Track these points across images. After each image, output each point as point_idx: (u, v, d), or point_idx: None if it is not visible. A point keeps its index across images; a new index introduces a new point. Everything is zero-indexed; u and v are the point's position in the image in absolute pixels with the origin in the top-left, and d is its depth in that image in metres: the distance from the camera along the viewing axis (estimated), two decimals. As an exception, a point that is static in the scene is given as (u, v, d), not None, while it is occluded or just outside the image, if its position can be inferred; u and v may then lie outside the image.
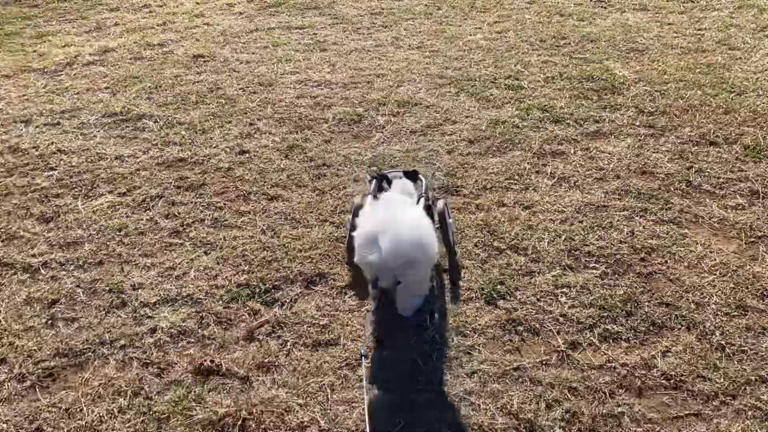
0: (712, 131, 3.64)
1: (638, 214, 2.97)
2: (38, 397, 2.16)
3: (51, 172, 3.51)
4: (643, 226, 2.88)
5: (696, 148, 3.50)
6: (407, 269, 2.17)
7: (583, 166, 3.38)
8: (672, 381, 2.12)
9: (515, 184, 3.25)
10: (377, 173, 2.66)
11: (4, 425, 2.06)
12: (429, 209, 2.56)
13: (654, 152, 3.47)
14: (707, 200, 3.06)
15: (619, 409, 2.03)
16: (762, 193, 3.09)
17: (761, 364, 2.17)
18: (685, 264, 2.64)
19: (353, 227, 2.33)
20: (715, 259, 2.66)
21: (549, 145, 3.58)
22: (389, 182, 2.58)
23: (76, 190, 3.34)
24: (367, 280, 2.28)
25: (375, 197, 2.47)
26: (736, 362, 2.17)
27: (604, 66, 4.55)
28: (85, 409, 2.10)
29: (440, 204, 2.56)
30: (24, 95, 4.48)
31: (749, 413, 2.00)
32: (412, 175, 2.66)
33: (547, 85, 4.30)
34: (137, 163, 3.57)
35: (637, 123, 3.77)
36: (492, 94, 4.20)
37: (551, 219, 2.95)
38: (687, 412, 2.02)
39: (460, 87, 4.32)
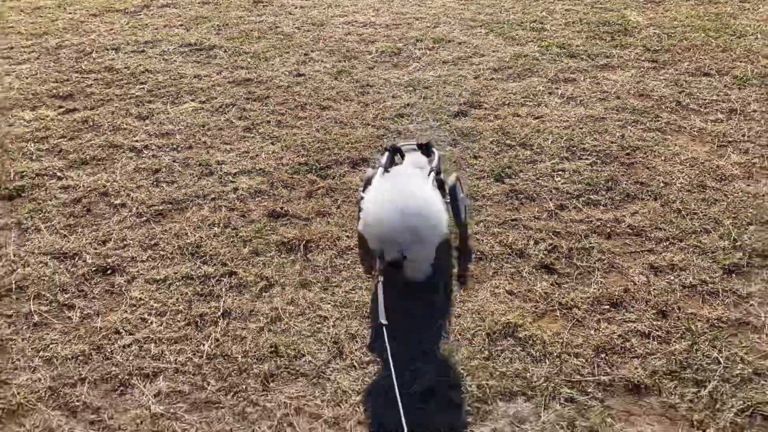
0: (707, 65, 4.21)
1: (630, 124, 3.60)
2: (153, 227, 2.95)
3: (142, 86, 4.30)
4: (633, 133, 3.51)
5: (691, 78, 4.08)
6: (413, 244, 2.13)
7: (589, 89, 4.01)
8: (635, 230, 2.78)
9: (529, 101, 3.90)
10: (391, 146, 2.67)
11: (131, 242, 2.85)
12: (441, 183, 2.56)
13: (653, 80, 4.07)
14: (692, 116, 3.66)
15: (590, 245, 2.70)
16: (739, 110, 3.68)
17: (708, 222, 2.81)
18: (662, 158, 3.28)
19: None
20: (688, 155, 3.28)
21: (563, 74, 4.21)
22: (402, 155, 2.61)
23: (164, 98, 4.13)
24: (372, 251, 2.27)
25: (386, 170, 2.50)
26: (688, 220, 2.82)
27: (621, 14, 5.12)
28: (189, 233, 2.88)
29: (452, 178, 2.57)
30: (111, 29, 5.29)
31: (690, 250, 2.65)
32: (425, 148, 2.67)
33: (567, 28, 4.91)
34: (212, 81, 4.34)
35: (642, 58, 4.36)
36: (517, 35, 4.83)
37: (556, 126, 3.61)
38: (642, 249, 2.68)
39: (490, 28, 4.96)
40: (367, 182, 2.47)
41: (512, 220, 2.88)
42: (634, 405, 2.03)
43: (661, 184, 3.07)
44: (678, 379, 2.10)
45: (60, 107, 4.03)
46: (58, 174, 3.34)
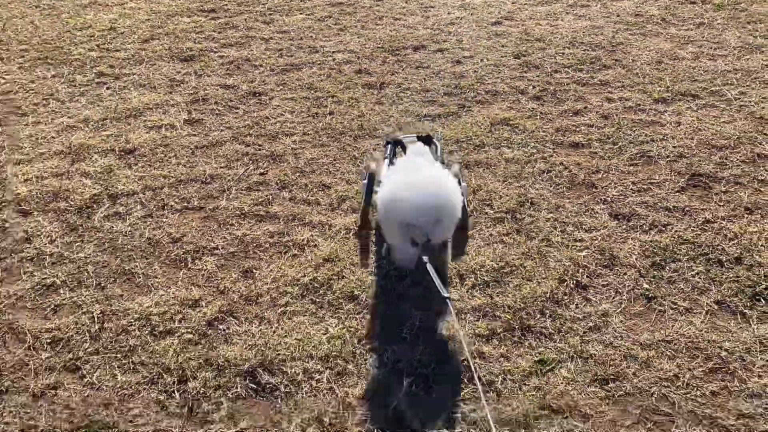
0: (695, -2, 5.58)
1: (621, 31, 5.03)
2: (282, 76, 4.61)
3: (263, 5, 6.02)
4: (621, 35, 4.94)
5: (679, 5, 5.46)
6: (436, 227, 2.18)
7: (598, 11, 5.44)
8: (602, 82, 4.24)
9: (550, 17, 5.37)
10: (392, 138, 2.81)
11: (269, 82, 4.52)
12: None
13: (649, 6, 5.47)
14: (670, 27, 5.05)
15: (569, 89, 4.19)
16: (707, 24, 5.05)
17: (654, 80, 4.23)
18: (637, 48, 4.70)
19: (369, 193, 2.46)
20: (657, 48, 4.70)
21: (580, 2, 5.66)
22: (404, 147, 2.73)
23: (281, 12, 5.84)
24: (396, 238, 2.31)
25: (391, 162, 2.65)
26: (641, 78, 4.26)
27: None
28: (305, 78, 4.53)
29: (455, 168, 2.63)
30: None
31: (636, 90, 4.10)
32: (426, 140, 2.81)
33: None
34: (314, 3, 6.02)
35: (646, -8, 5.76)
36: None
37: (565, 30, 5.08)
38: (604, 91, 4.14)
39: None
40: (370, 176, 2.55)
41: (520, 77, 4.40)
42: (575, 155, 3.52)
43: (630, 61, 4.51)
44: (602, 142, 3.57)
45: (207, 16, 5.80)
46: (215, 50, 5.07)
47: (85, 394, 2.22)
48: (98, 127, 3.91)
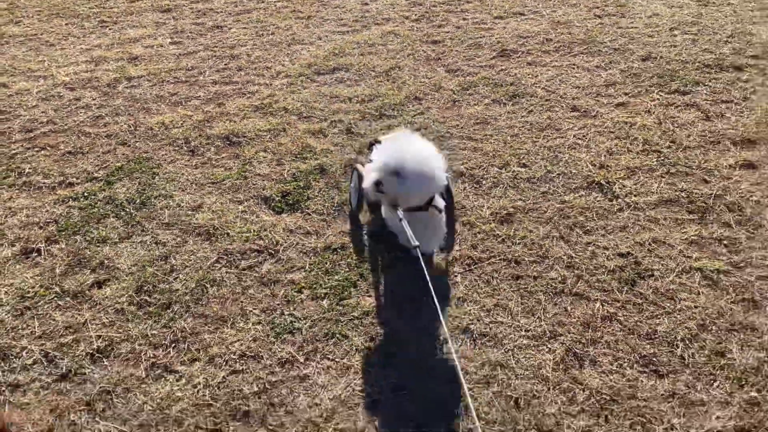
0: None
1: None
2: (238, 18, 6.55)
3: (221, -23, 7.95)
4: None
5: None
6: (401, 186, 2.47)
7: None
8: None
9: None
10: (374, 139, 2.96)
11: (226, 23, 6.44)
12: None
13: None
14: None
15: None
16: (546, -26, 7.17)
17: (501, 4, 6.29)
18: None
19: (357, 193, 2.87)
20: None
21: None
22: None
23: (235, -19, 7.77)
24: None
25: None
26: (498, 6, 6.31)
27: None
28: (255, 17, 6.47)
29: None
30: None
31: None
32: None
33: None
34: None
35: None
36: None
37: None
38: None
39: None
40: (358, 175, 2.97)
41: (407, 10, 6.41)
42: (433, 46, 5.51)
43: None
44: (452, 39, 5.58)
45: (178, -15, 7.68)
46: (186, 5, 6.96)
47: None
48: (109, 48, 5.77)
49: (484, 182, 3.54)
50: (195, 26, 6.20)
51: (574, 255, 2.96)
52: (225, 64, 5.28)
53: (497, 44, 5.40)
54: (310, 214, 3.34)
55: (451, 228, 2.99)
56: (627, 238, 3.05)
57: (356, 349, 2.49)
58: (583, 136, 3.95)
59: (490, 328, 2.58)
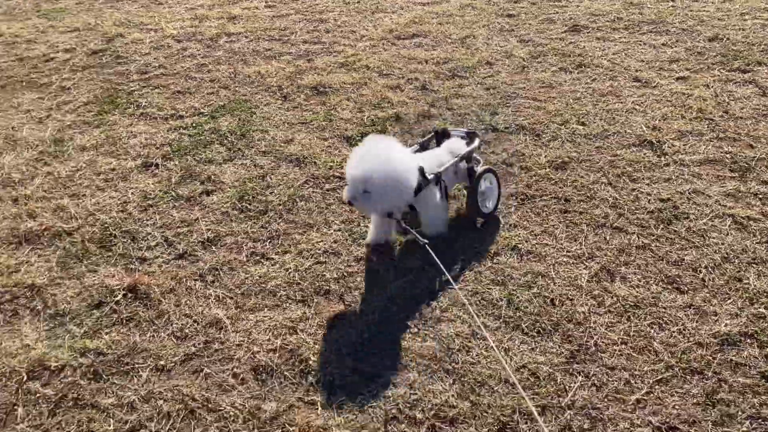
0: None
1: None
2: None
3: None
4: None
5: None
6: (367, 199, 2.64)
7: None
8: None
9: None
10: (441, 129, 3.21)
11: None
12: (471, 171, 3.08)
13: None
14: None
15: None
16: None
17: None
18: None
19: None
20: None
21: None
22: (445, 137, 3.18)
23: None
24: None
25: (421, 147, 3.14)
26: (565, -14, 6.64)
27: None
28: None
29: (481, 170, 3.06)
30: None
31: (558, -8, 6.48)
32: (470, 135, 3.20)
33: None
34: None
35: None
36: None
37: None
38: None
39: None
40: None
41: None
42: (509, 20, 5.90)
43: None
44: (531, 14, 5.95)
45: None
46: (280, -27, 7.56)
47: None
48: (211, 8, 6.42)
49: (543, 135, 3.95)
50: (287, -7, 6.79)
51: (618, 197, 3.35)
52: (314, 27, 5.83)
53: (569, 20, 5.74)
54: (385, 152, 3.84)
55: (474, 206, 3.08)
56: (669, 187, 3.41)
57: (409, 255, 2.97)
58: (642, 102, 4.29)
59: (536, 248, 3.02)
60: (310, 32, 5.72)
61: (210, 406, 2.28)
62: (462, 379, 2.37)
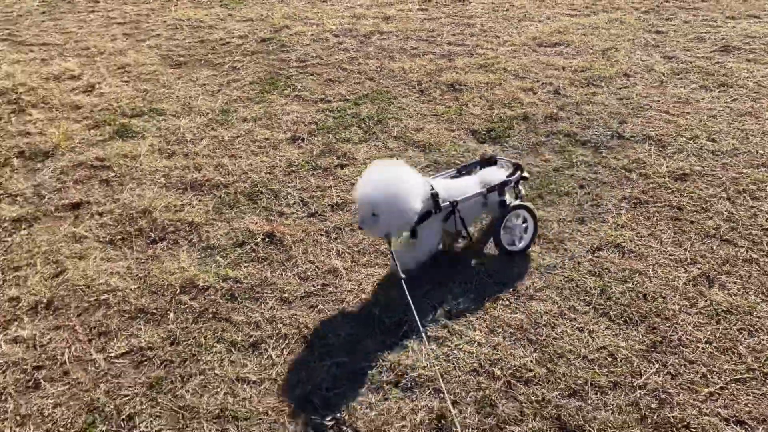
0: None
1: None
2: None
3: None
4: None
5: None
6: (374, 222, 2.67)
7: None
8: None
9: None
10: (488, 155, 3.20)
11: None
12: (503, 203, 3.00)
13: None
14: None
15: None
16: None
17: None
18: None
19: None
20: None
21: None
22: (490, 165, 3.14)
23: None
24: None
25: (459, 172, 3.15)
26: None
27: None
28: (493, -4, 7.31)
29: (513, 203, 3.00)
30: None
31: (716, 11, 6.34)
32: (516, 167, 3.13)
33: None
34: None
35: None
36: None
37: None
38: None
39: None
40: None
41: None
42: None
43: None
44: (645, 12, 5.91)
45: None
46: (436, -20, 8.00)
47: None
48: (368, 8, 6.98)
49: (669, 147, 4.00)
50: (441, -2, 7.20)
51: (734, 212, 3.37)
52: (460, 31, 6.18)
53: (721, 40, 5.63)
54: (507, 148, 4.10)
55: (495, 240, 3.04)
56: (793, 210, 3.37)
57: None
58: (782, 126, 4.19)
59: (639, 248, 3.14)
60: (456, 35, 6.07)
61: (319, 334, 2.69)
62: (543, 349, 2.59)
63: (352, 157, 4.03)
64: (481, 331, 2.69)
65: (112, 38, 6.19)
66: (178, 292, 2.95)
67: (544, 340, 2.64)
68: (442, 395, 2.39)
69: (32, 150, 4.18)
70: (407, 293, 2.56)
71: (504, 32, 6.10)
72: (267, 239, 3.28)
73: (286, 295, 2.91)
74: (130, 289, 2.97)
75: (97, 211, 3.56)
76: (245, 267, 3.09)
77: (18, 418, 2.37)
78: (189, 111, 4.71)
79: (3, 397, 2.45)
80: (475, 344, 2.62)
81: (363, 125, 4.44)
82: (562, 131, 4.24)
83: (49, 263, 3.15)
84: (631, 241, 3.19)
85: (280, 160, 4.03)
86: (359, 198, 2.71)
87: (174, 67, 5.51)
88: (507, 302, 2.84)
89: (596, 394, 2.40)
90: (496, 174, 3.08)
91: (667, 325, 2.68)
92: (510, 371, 2.50)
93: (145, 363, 2.59)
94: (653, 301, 2.81)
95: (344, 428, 2.26)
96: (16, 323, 2.79)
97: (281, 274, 3.04)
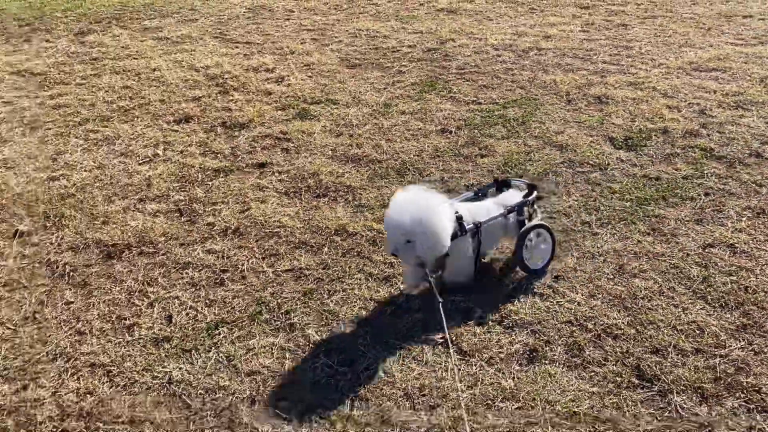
0: None
1: None
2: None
3: None
4: None
5: None
6: (407, 248, 2.74)
7: None
8: None
9: None
10: (503, 178, 3.31)
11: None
12: (521, 224, 3.11)
13: None
14: None
15: None
16: None
17: None
18: None
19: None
20: None
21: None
22: (505, 188, 3.25)
23: None
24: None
25: (477, 195, 3.24)
26: None
27: None
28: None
29: (531, 224, 3.09)
30: None
31: None
32: (530, 187, 3.24)
33: None
34: None
35: None
36: None
37: None
38: None
39: None
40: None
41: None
42: None
43: None
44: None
45: None
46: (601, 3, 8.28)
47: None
48: (531, 27, 7.44)
49: (808, 169, 4.08)
50: (604, 21, 7.51)
51: None
52: (617, 52, 6.47)
53: None
54: (641, 155, 4.39)
55: (517, 260, 3.14)
56: None
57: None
58: None
59: (752, 251, 3.34)
60: (612, 55, 6.37)
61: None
62: (636, 315, 2.94)
63: (493, 150, 4.55)
64: (582, 295, 3.08)
65: (301, 41, 7.22)
66: (332, 233, 3.64)
67: (639, 308, 2.98)
68: (537, 336, 2.83)
69: (232, 122, 5.15)
70: (443, 316, 2.68)
71: (661, 56, 6.29)
72: (409, 204, 3.89)
73: (418, 246, 3.49)
74: (297, 227, 3.71)
75: (277, 170, 4.39)
76: (388, 222, 3.72)
77: (207, 301, 3.16)
78: (357, 103, 5.49)
79: (198, 288, 3.26)
80: (575, 303, 3.03)
81: (507, 125, 4.94)
82: (699, 146, 4.44)
83: (238, 203, 3.99)
84: (745, 243, 3.40)
85: (428, 146, 4.65)
86: (391, 225, 2.76)
87: (349, 68, 6.36)
88: (611, 277, 3.20)
89: (678, 355, 2.71)
90: (513, 196, 3.21)
91: (763, 314, 2.90)
92: (601, 327, 2.88)
93: (302, 278, 3.28)
94: (754, 294, 3.03)
95: (450, 345, 2.77)
96: (210, 240, 3.63)
97: (416, 231, 3.63)
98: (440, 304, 2.69)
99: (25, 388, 2.65)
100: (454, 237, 2.86)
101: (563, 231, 3.57)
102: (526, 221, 3.16)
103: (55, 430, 2.45)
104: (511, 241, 3.21)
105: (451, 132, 4.87)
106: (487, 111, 5.20)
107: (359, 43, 7.11)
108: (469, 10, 8.23)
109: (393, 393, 2.58)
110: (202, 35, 7.48)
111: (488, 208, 3.10)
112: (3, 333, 2.98)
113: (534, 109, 5.20)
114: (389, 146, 4.67)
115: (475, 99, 5.47)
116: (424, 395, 2.57)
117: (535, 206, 3.29)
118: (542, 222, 3.21)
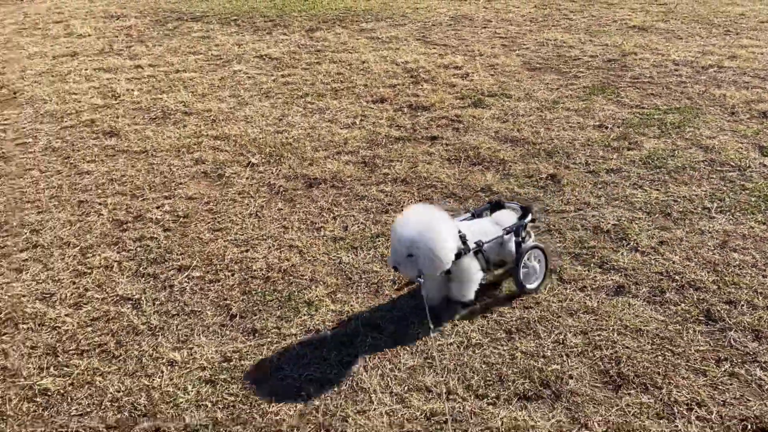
0: None
1: None
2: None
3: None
4: None
5: None
6: (408, 263, 2.82)
7: None
8: None
9: None
10: (495, 199, 3.45)
11: None
12: (518, 245, 3.18)
13: None
14: None
15: None
16: None
17: None
18: None
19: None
20: None
21: None
22: (498, 208, 3.36)
23: None
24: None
25: (473, 215, 3.33)
26: None
27: None
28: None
29: (529, 245, 3.20)
30: None
31: None
32: (524, 209, 3.36)
33: None
34: None
35: None
36: None
37: None
38: None
39: None
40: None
41: None
42: None
43: None
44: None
45: None
46: None
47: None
48: (719, 48, 7.64)
49: None
50: None
51: None
52: None
53: None
54: (787, 162, 4.69)
55: (516, 281, 3.27)
56: None
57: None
58: None
59: None
60: (795, 77, 6.46)
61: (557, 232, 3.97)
62: (723, 277, 3.46)
63: (641, 145, 5.12)
64: (679, 257, 3.65)
65: (491, 46, 8.16)
66: (479, 190, 4.53)
67: (729, 273, 3.49)
68: (629, 277, 3.48)
69: (417, 105, 6.24)
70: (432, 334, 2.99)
71: None
72: (549, 178, 4.65)
73: (548, 209, 4.25)
74: (451, 183, 4.65)
75: (445, 143, 5.37)
76: (527, 188, 4.52)
77: (374, 221, 4.21)
78: (528, 98, 6.30)
79: (369, 212, 4.32)
80: (670, 261, 3.61)
81: (663, 127, 5.44)
82: None
83: (409, 162, 5.03)
84: None
85: (581, 136, 5.33)
86: (396, 239, 2.86)
87: (529, 70, 7.17)
88: (712, 249, 3.72)
89: (748, 307, 3.21)
90: (507, 216, 3.34)
91: None
92: (687, 280, 3.45)
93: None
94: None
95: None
96: (383, 184, 4.70)
97: (551, 199, 4.39)
98: (434, 335, 2.96)
99: (246, 251, 3.90)
100: (458, 256, 2.97)
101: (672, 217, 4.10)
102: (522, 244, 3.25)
103: (263, 276, 3.63)
104: (506, 261, 3.38)
105: (606, 127, 5.49)
106: (647, 114, 5.73)
107: (544, 50, 7.87)
108: (661, 29, 8.58)
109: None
110: (407, 37, 8.73)
111: (486, 228, 3.22)
112: (233, 222, 4.28)
113: (694, 116, 5.63)
114: (546, 133, 5.43)
115: (639, 104, 6.00)
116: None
117: (529, 228, 3.41)
118: (538, 244, 3.34)
